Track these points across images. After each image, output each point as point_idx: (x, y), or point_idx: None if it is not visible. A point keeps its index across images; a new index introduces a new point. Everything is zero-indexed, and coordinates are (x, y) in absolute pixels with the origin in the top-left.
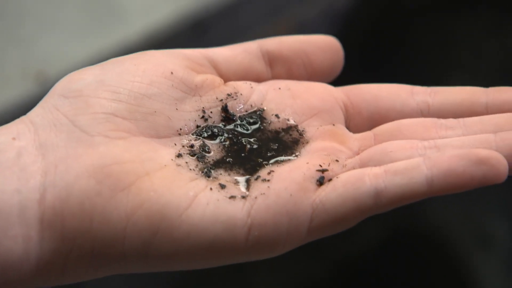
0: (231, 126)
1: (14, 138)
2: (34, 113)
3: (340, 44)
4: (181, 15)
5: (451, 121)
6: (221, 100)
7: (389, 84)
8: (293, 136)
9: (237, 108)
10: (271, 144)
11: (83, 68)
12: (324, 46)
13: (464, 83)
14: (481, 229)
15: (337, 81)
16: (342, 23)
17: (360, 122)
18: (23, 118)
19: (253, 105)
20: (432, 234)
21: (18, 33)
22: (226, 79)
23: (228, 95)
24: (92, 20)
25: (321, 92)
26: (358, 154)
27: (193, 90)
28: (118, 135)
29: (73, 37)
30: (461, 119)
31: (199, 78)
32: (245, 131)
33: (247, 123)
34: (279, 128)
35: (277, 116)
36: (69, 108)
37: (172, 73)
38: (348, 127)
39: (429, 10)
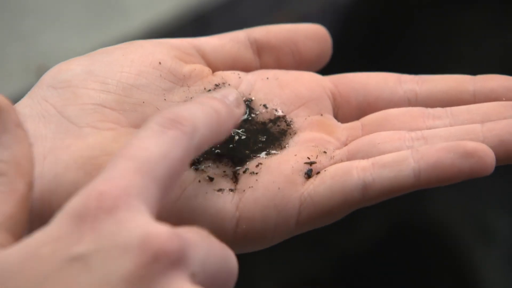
0: None
1: None
2: (23, 104)
3: (327, 32)
4: (182, 9)
5: (438, 111)
6: (209, 90)
7: (377, 73)
8: (281, 127)
9: None
10: (259, 135)
11: (72, 59)
12: (311, 34)
13: None
14: (482, 224)
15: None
16: (343, 17)
17: (348, 111)
18: None
19: (241, 95)
20: (433, 229)
21: (20, 27)
22: (214, 68)
23: (216, 85)
24: (94, 14)
25: (309, 82)
26: (346, 144)
27: (181, 80)
28: (106, 126)
29: (75, 32)
30: (448, 108)
31: (187, 68)
32: None
33: None
34: (267, 118)
35: (265, 106)
36: (57, 99)
37: (160, 63)
38: (336, 116)
39: (430, 4)
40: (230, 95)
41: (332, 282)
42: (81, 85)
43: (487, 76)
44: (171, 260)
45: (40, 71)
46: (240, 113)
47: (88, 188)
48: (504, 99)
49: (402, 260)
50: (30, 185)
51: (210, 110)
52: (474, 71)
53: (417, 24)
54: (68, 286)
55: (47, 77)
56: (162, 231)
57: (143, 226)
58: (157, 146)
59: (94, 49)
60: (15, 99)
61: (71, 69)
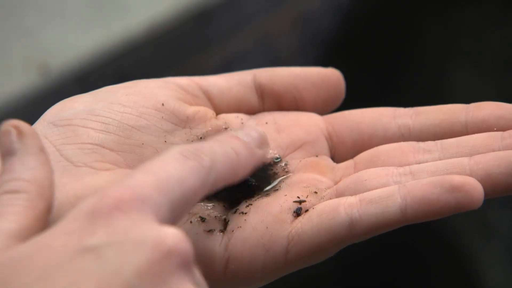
0: None
1: None
2: None
3: (341, 77)
4: (184, 5)
5: (428, 144)
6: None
7: (372, 109)
8: (275, 170)
9: None
10: (254, 178)
11: (76, 96)
12: (321, 81)
13: (468, 73)
14: (484, 219)
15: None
16: (346, 14)
17: (344, 150)
18: None
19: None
20: (434, 224)
21: (21, 23)
22: (219, 110)
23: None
24: (95, 10)
25: (307, 124)
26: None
27: (184, 122)
28: (104, 166)
29: (76, 28)
30: (438, 142)
31: (191, 110)
32: None
33: None
34: (263, 163)
35: None
36: (57, 137)
37: (163, 104)
38: (334, 156)
39: (432, 1)
40: (253, 134)
41: (333, 275)
42: (82, 124)
43: (479, 104)
44: (182, 260)
45: (41, 67)
46: (262, 153)
47: (103, 191)
48: (495, 129)
49: (403, 255)
50: (50, 208)
51: (230, 150)
52: (477, 66)
53: (419, 20)
54: (79, 276)
55: (50, 113)
56: (176, 231)
57: (156, 225)
58: (176, 170)
59: (95, 45)
60: (16, 95)
61: (74, 107)
